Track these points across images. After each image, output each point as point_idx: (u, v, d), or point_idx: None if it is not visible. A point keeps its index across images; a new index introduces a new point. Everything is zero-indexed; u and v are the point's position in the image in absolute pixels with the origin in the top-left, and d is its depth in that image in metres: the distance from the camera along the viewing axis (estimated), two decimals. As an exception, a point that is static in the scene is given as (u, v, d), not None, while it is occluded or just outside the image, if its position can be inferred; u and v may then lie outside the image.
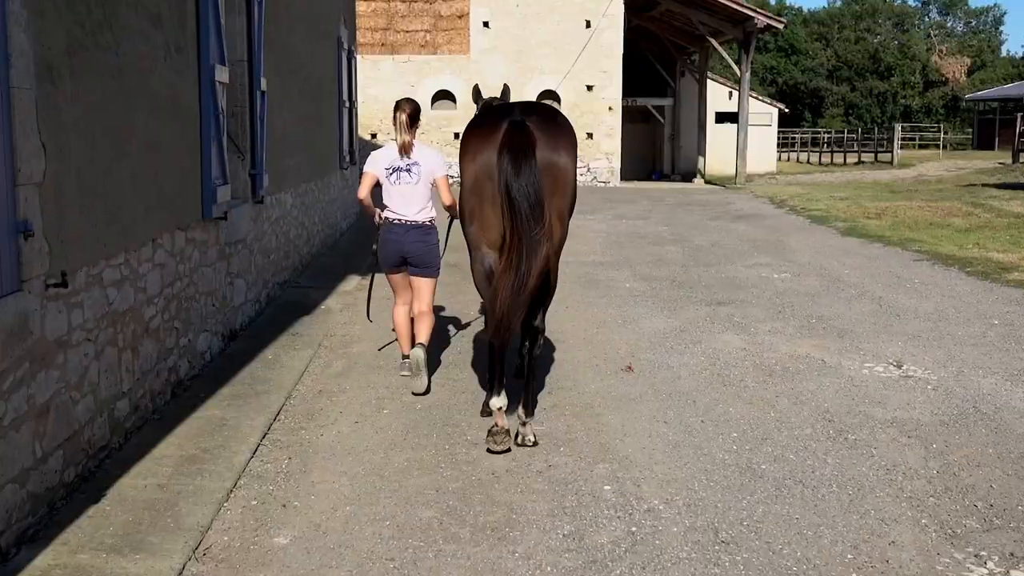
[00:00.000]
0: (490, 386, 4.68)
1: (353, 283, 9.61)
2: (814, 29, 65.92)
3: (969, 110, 60.26)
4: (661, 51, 32.60)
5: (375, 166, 5.71)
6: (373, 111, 25.03)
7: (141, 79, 4.85)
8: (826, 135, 43.21)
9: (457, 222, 5.36)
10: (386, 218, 5.69)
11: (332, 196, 12.63)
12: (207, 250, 6.16)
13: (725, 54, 27.00)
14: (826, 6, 69.19)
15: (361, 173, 5.94)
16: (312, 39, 10.94)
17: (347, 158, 13.86)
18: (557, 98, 25.29)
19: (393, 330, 6.24)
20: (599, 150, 25.63)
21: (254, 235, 7.65)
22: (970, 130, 54.09)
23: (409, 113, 5.67)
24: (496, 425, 4.55)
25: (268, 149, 8.00)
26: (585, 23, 25.04)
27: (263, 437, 4.80)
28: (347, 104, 13.90)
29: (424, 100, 25.06)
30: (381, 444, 4.76)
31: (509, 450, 4.54)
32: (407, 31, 25.27)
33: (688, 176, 31.28)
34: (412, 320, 5.91)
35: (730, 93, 33.86)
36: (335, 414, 5.24)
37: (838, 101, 65.66)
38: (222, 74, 6.14)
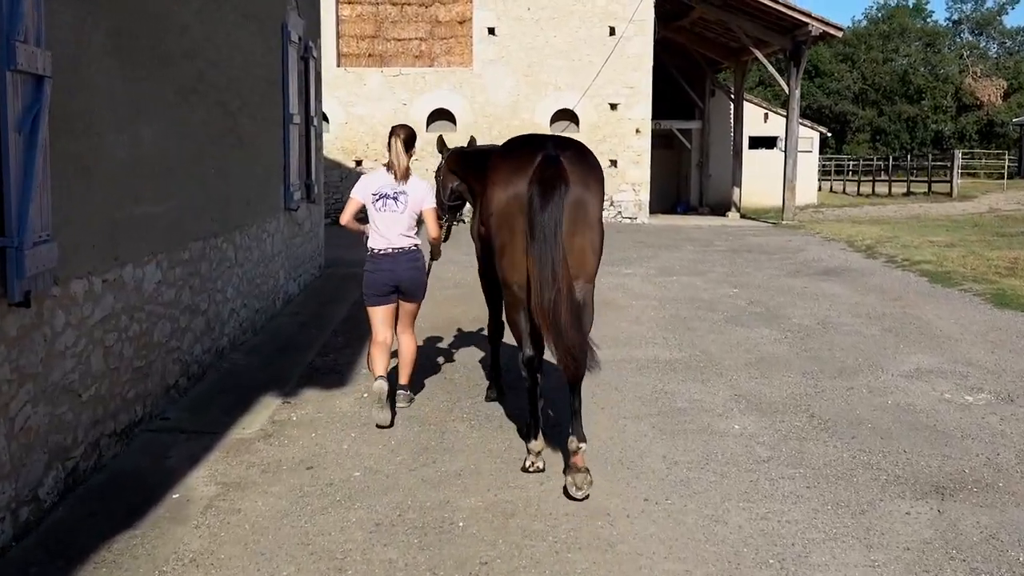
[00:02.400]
0: (528, 430, 4.69)
1: (265, 414, 5.63)
2: (839, 50, 62.08)
3: (1005, 136, 56.43)
4: (689, 67, 28.80)
5: (363, 192, 5.54)
6: (358, 133, 21.21)
7: None
8: (864, 162, 39.32)
9: (437, 258, 5.97)
10: (371, 249, 5.53)
11: (270, 251, 8.72)
12: None
13: (772, 68, 23.16)
14: (851, 26, 65.47)
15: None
16: (226, 18, 7.06)
17: (297, 194, 9.95)
18: (575, 119, 21.44)
19: (367, 369, 6.07)
20: (624, 180, 21.70)
21: (11, 369, 3.71)
22: (1009, 156, 50.12)
23: (404, 138, 5.49)
24: (532, 464, 4.58)
25: (63, 191, 4.08)
26: (608, 30, 21.22)
27: None
28: (299, 121, 10.02)
29: (419, 121, 21.21)
30: None
31: (543, 470, 4.49)
32: (399, 39, 21.46)
33: (719, 209, 27.42)
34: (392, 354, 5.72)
35: (765, 115, 30.09)
36: None
37: (864, 126, 61.85)
38: None
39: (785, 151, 22.64)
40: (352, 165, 21.12)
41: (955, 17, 65.22)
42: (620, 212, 21.73)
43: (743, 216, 25.78)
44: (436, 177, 6.25)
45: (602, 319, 8.93)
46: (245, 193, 7.69)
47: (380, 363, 5.51)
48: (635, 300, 9.97)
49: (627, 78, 21.31)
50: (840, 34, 22.13)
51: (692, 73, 29.00)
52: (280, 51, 9.17)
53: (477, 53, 21.19)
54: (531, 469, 4.56)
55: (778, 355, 7.29)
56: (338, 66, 21.17)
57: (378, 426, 5.28)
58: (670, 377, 6.58)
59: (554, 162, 4.27)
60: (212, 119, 6.68)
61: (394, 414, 5.43)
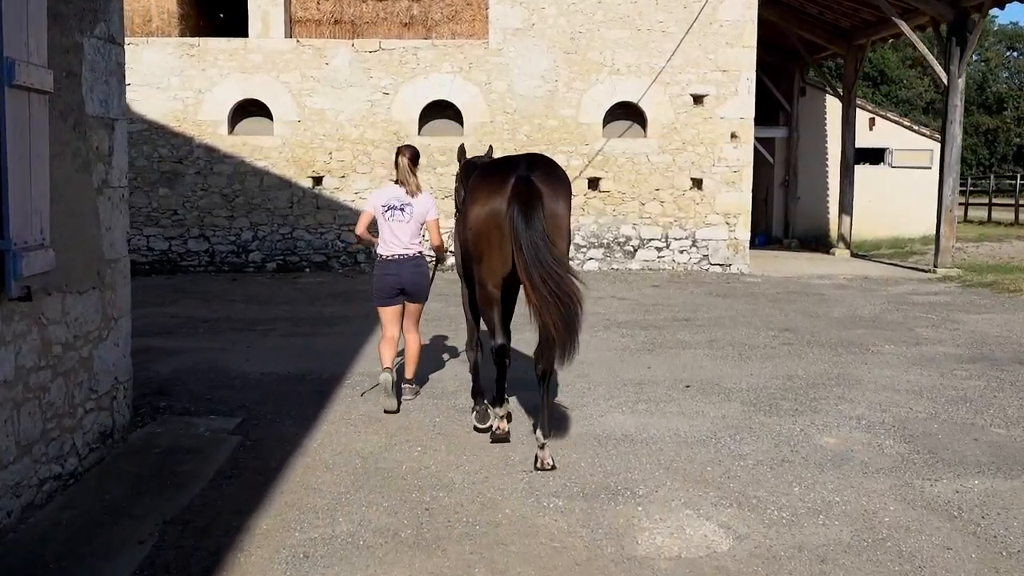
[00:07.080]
0: (491, 399, 5.51)
1: None
2: (908, 54, 54.87)
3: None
4: (774, 56, 21.80)
5: (373, 204, 6.16)
6: (316, 136, 14.29)
7: None
8: (973, 182, 32.01)
9: (443, 263, 6.79)
10: (380, 255, 6.15)
11: None
12: None
13: (923, 47, 16.09)
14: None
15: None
16: None
17: None
18: (640, 117, 14.48)
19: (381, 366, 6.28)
20: (713, 209, 14.65)
21: None
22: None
23: (410, 157, 6.16)
24: (498, 428, 5.31)
25: None
26: (691, -14, 14.30)
27: None
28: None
29: (407, 120, 14.32)
30: None
31: (502, 433, 5.26)
32: (380, 0, 14.62)
33: (810, 242, 20.54)
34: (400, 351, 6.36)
35: (871, 120, 22.91)
36: None
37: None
38: None
39: (942, 166, 15.54)
40: (308, 184, 14.23)
41: (1038, 17, 57.82)
42: (707, 257, 14.68)
43: (855, 255, 18.76)
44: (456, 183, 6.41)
45: None
46: None
47: (387, 355, 6.14)
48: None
49: (719, 58, 14.32)
50: (1035, -6, 15.05)
51: (778, 65, 22.00)
52: None
53: (495, 19, 14.28)
54: (497, 432, 5.31)
55: None
56: (288, 37, 14.32)
57: (386, 411, 5.92)
58: None
59: (527, 182, 4.84)
60: None
61: (400, 403, 6.08)
